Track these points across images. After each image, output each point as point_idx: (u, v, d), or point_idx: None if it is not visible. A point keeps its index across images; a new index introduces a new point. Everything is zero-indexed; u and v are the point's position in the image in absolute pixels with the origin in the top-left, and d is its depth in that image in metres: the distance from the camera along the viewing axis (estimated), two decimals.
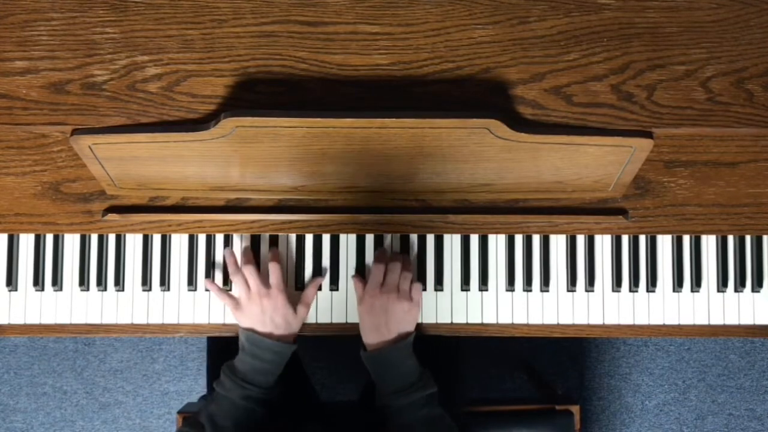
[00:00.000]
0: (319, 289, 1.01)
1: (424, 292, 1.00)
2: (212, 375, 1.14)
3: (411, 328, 0.95)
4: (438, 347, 1.08)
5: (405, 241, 1.02)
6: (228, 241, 1.01)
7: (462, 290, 1.02)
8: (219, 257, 1.01)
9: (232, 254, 0.99)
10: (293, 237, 1.01)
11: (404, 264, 0.97)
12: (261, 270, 0.98)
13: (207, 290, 1.01)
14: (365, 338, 0.95)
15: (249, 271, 0.96)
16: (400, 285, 0.95)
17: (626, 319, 1.02)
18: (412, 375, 0.92)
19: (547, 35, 0.97)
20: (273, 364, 0.92)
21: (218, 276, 1.01)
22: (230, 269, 0.98)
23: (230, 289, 1.00)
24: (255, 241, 1.01)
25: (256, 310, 0.94)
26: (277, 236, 1.01)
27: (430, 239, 1.02)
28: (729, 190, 0.99)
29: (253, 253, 1.00)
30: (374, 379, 0.94)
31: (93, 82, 0.95)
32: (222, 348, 1.13)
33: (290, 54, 0.96)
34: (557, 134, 0.87)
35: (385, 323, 0.93)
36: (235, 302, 0.96)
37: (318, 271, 1.01)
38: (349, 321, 1.01)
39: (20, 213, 0.97)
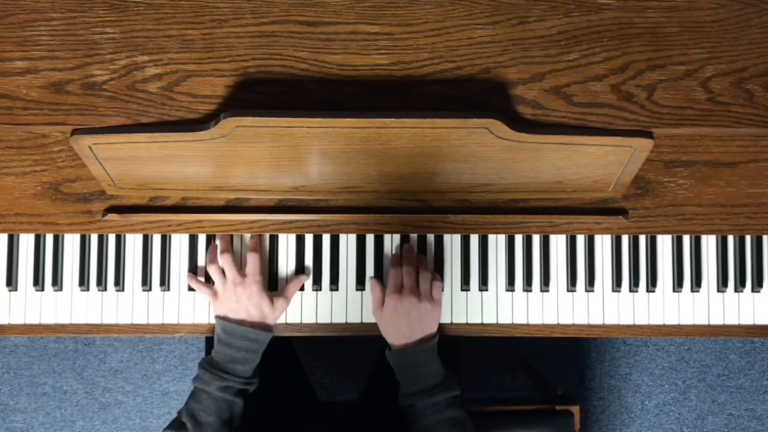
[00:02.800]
0: (302, 289, 1.01)
1: None
2: None
3: (434, 327, 0.95)
4: (438, 347, 1.08)
5: (405, 241, 1.01)
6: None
7: (462, 290, 1.02)
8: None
9: (215, 247, 0.99)
10: (293, 237, 1.01)
11: (421, 265, 0.98)
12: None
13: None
14: (389, 340, 0.95)
15: (225, 260, 0.96)
16: (420, 286, 0.95)
17: (626, 319, 1.02)
18: (436, 376, 0.92)
19: (547, 35, 0.97)
20: (249, 351, 0.92)
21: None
22: (208, 259, 0.98)
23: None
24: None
25: (230, 298, 0.94)
26: (277, 236, 1.01)
27: (430, 239, 1.02)
28: (729, 190, 0.99)
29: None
30: (398, 379, 0.94)
31: (93, 82, 0.95)
32: None
33: (290, 54, 0.96)
34: (557, 134, 0.87)
35: (407, 326, 0.93)
36: (213, 291, 0.96)
37: (318, 271, 1.01)
38: (349, 321, 1.01)
39: (20, 213, 0.97)
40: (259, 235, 1.00)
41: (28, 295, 1.01)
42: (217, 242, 0.99)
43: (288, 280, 1.00)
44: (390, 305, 0.94)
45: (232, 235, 1.00)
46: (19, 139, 0.96)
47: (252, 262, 0.96)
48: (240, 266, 0.97)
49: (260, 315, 0.95)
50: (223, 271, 0.96)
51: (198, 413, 0.89)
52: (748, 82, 0.97)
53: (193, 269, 1.01)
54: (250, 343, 0.92)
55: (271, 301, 0.96)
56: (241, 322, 0.93)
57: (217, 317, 0.95)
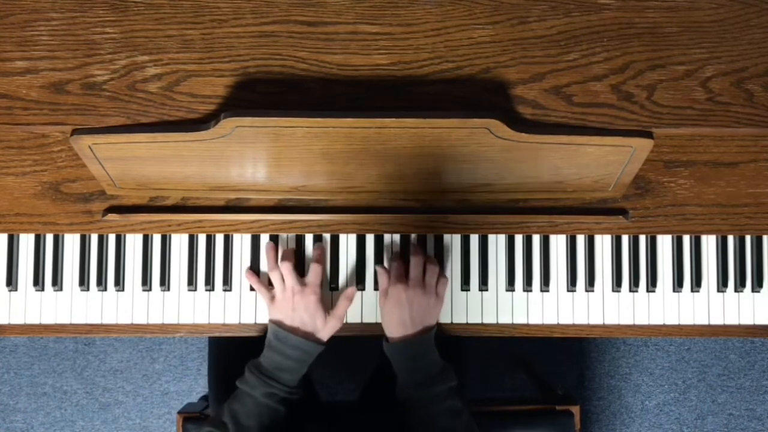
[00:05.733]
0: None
1: None
2: (213, 375, 1.14)
3: (434, 321, 0.96)
4: (438, 347, 1.08)
5: (405, 241, 1.02)
6: (228, 241, 1.01)
7: (462, 290, 1.02)
8: (219, 257, 1.01)
9: (273, 249, 0.99)
10: (293, 237, 1.01)
11: (428, 259, 0.98)
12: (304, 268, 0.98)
13: (207, 290, 1.01)
14: (388, 331, 0.95)
15: (286, 268, 0.96)
16: (426, 279, 0.95)
17: (626, 319, 1.02)
18: (434, 367, 0.92)
19: (547, 35, 0.97)
20: (297, 361, 0.92)
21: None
22: (269, 264, 0.99)
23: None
24: (274, 239, 1.01)
25: (287, 305, 0.94)
26: (277, 236, 1.01)
27: (430, 239, 1.02)
28: (729, 190, 0.99)
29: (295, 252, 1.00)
30: (396, 372, 0.94)
31: (93, 82, 0.95)
32: (223, 348, 1.13)
33: (290, 54, 0.96)
34: (557, 134, 0.87)
35: (410, 317, 0.93)
36: (271, 296, 0.97)
37: None
38: (349, 321, 1.01)
39: (20, 213, 0.97)
40: (322, 248, 1.00)
41: (28, 295, 1.01)
42: (279, 249, 1.00)
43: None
44: (393, 294, 0.94)
45: (295, 249, 1.00)
46: (19, 139, 0.96)
47: (314, 273, 0.96)
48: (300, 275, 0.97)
49: (313, 327, 0.94)
50: (282, 278, 0.96)
51: (240, 416, 0.89)
52: (748, 82, 0.97)
53: (193, 269, 1.01)
54: (300, 354, 0.92)
55: (325, 317, 0.95)
56: (294, 330, 0.93)
57: (271, 321, 0.95)
